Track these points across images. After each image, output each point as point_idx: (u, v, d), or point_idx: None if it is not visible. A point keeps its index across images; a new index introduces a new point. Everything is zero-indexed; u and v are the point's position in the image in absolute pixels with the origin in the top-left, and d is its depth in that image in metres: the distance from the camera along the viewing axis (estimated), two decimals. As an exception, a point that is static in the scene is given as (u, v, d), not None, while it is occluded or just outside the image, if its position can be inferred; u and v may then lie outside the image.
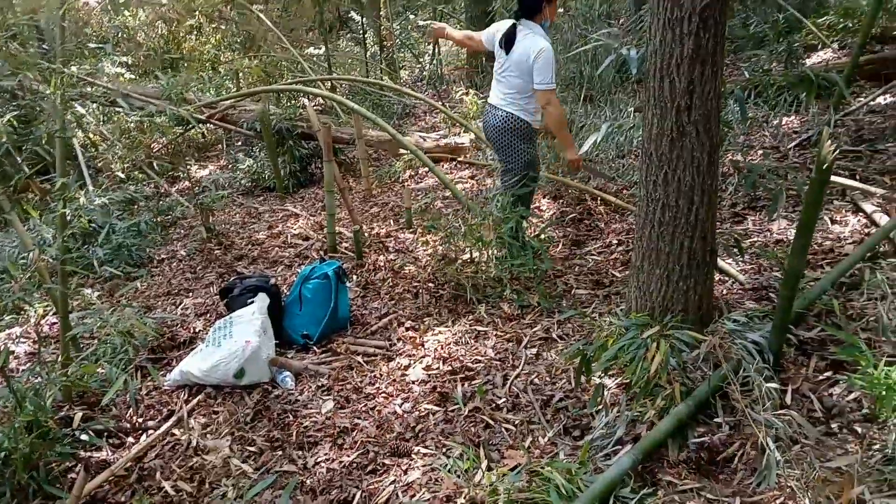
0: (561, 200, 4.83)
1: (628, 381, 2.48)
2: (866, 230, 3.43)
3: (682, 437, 2.25)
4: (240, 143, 8.18)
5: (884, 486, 1.85)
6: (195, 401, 3.20)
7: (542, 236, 3.91)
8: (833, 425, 2.16)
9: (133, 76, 10.94)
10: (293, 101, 8.33)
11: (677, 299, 2.63)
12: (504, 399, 2.78)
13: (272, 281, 3.80)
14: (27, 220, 3.60)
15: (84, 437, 2.93)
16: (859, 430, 2.10)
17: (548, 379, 2.87)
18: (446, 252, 3.96)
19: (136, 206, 6.41)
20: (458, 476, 2.32)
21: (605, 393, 2.54)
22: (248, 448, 2.78)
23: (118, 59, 9.95)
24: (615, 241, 4.10)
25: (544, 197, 4.97)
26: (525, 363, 3.03)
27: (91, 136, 7.40)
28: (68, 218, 3.09)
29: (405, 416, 2.82)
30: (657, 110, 2.50)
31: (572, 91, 6.24)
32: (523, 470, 2.23)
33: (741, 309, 2.87)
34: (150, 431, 3.03)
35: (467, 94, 7.64)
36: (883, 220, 3.35)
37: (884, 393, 1.81)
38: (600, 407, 2.50)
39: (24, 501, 2.62)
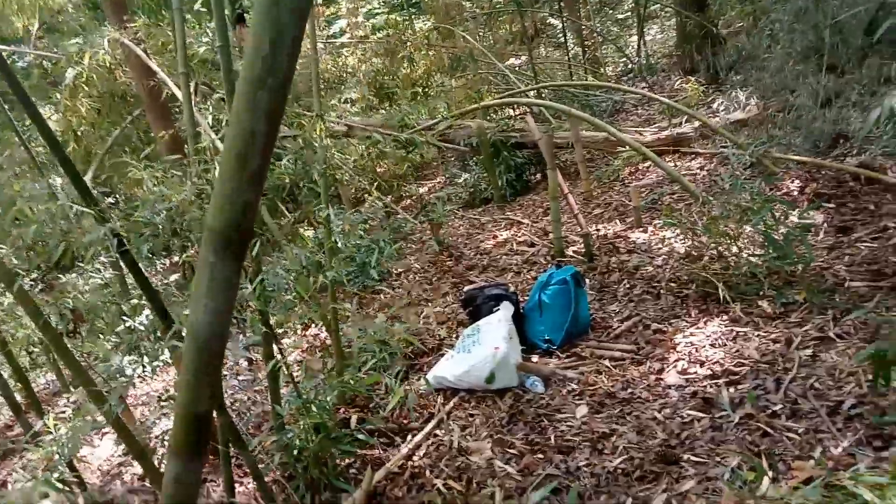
0: (815, 184, 4.34)
1: (943, 385, 2.13)
2: None
3: None
4: (453, 158, 8.56)
5: None
6: (451, 403, 3.36)
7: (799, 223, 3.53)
8: None
9: (357, 109, 12.01)
10: (503, 113, 8.52)
11: None
12: (780, 405, 2.54)
13: (511, 289, 3.89)
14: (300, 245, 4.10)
15: (361, 436, 3.22)
16: None
17: (831, 383, 2.57)
18: (689, 250, 3.75)
19: (369, 226, 6.98)
20: (741, 487, 2.16)
21: (913, 399, 2.20)
22: (508, 450, 2.86)
23: (346, 96, 10.98)
24: (892, 225, 3.57)
25: (792, 182, 4.50)
26: (799, 366, 2.74)
27: (335, 168, 8.21)
28: (339, 244, 3.45)
29: (667, 422, 2.70)
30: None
31: (811, 62, 5.60)
32: (819, 483, 2.00)
33: None
34: (416, 432, 3.25)
35: (687, 81, 7.23)
36: None
37: None
38: (908, 415, 2.17)
39: (316, 494, 2.95)
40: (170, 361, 3.81)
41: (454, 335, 4.07)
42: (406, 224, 6.94)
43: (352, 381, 3.24)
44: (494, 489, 2.63)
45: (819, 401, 2.49)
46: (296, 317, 3.26)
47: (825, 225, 3.81)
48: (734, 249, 3.49)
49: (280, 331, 5.14)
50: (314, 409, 3.11)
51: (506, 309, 3.58)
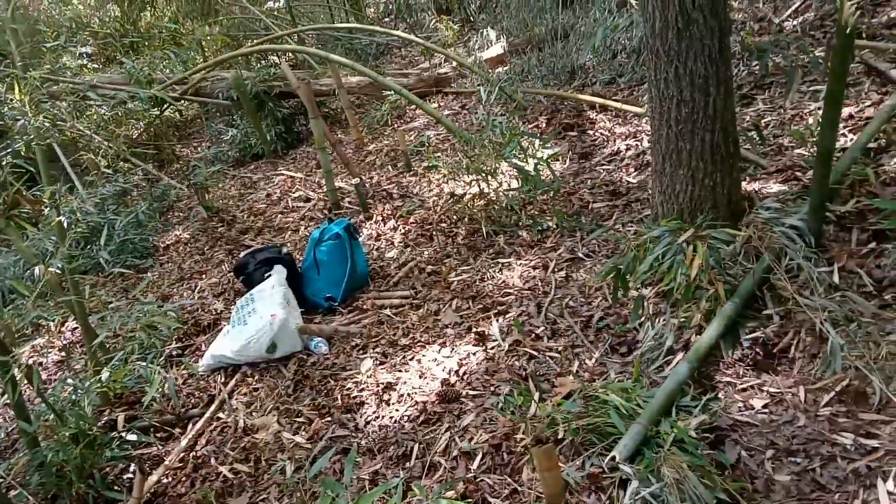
0: (559, 114, 4.67)
1: (667, 288, 2.41)
2: (883, 89, 3.28)
3: (733, 336, 2.20)
4: (218, 114, 7.95)
5: (957, 351, 1.80)
6: (233, 381, 3.17)
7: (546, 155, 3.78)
8: (887, 297, 2.10)
9: (95, 66, 10.58)
10: (265, 62, 8.05)
11: (705, 197, 2.53)
12: (542, 328, 2.73)
13: (285, 250, 3.72)
14: (24, 235, 3.51)
15: (132, 436, 2.92)
16: (917, 297, 2.04)
17: (582, 299, 2.81)
18: (453, 190, 3.85)
19: (129, 197, 6.28)
20: (513, 412, 2.29)
21: (646, 304, 2.48)
22: (296, 419, 2.76)
23: (78, 50, 9.58)
24: (623, 147, 3.97)
25: (541, 114, 4.80)
26: (556, 287, 2.96)
27: (68, 134, 7.18)
28: (66, 224, 2.99)
29: (446, 361, 2.78)
30: (658, 1, 2.34)
31: (549, -2, 5.96)
32: (577, 396, 2.19)
33: (770, 195, 2.77)
34: (196, 419, 3.02)
35: (440, 20, 7.34)
36: (900, 75, 3.20)
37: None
38: (643, 319, 2.44)
39: (87, 510, 2.63)
40: None
41: (232, 307, 3.82)
42: (170, 191, 6.35)
43: (113, 379, 2.90)
44: (285, 463, 2.53)
45: (574, 318, 2.72)
46: (29, 317, 2.81)
47: (570, 153, 4.14)
48: (494, 185, 3.65)
49: (28, 331, 4.48)
50: (70, 417, 2.74)
51: (278, 273, 3.41)
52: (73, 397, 2.80)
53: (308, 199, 5.20)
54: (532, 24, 5.53)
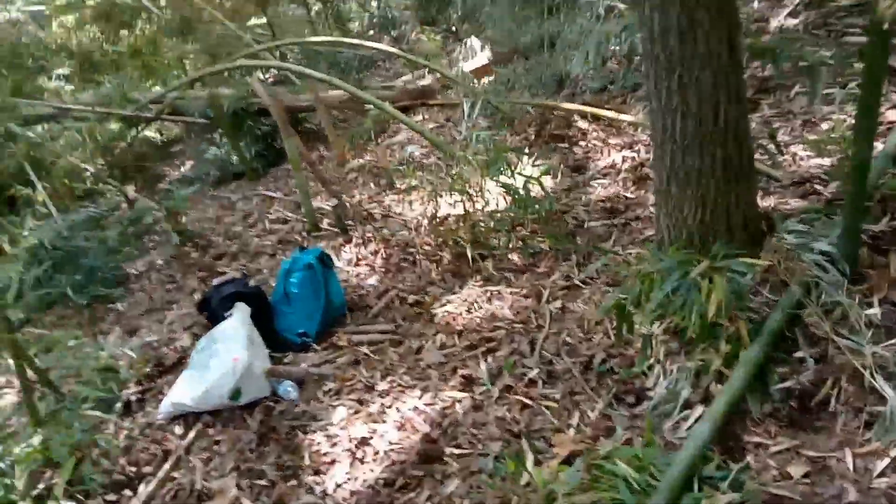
0: (548, 125, 4.36)
1: (678, 325, 2.08)
2: (904, 90, 2.98)
3: (762, 386, 1.87)
4: (201, 132, 7.67)
5: None
6: (192, 433, 2.83)
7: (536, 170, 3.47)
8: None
9: (72, 87, 10.28)
10: (244, 78, 7.77)
11: (718, 220, 2.20)
12: (537, 370, 2.40)
13: (251, 282, 3.39)
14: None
15: (72, 504, 2.57)
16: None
17: (581, 335, 2.49)
18: (436, 210, 3.53)
19: (107, 221, 5.94)
20: (503, 479, 1.95)
21: (655, 344, 2.15)
22: (258, 482, 2.42)
23: (57, 72, 9.30)
24: (619, 159, 3.65)
25: (529, 125, 4.49)
26: (551, 321, 2.64)
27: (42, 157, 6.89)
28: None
29: (428, 409, 2.45)
30: (657, 1, 2.03)
31: (534, 5, 5.67)
32: (580, 462, 1.85)
33: (788, 211, 2.45)
34: (149, 479, 2.67)
35: (422, 31, 7.07)
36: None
37: None
38: (652, 362, 2.11)
39: None
40: None
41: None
42: (147, 213, 6.01)
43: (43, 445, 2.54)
44: (243, 537, 2.20)
45: (572, 357, 2.39)
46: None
47: (561, 166, 3.82)
48: (480, 204, 3.33)
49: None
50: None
51: (241, 311, 3.08)
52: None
53: (286, 221, 4.88)
54: (517, 34, 5.25)
